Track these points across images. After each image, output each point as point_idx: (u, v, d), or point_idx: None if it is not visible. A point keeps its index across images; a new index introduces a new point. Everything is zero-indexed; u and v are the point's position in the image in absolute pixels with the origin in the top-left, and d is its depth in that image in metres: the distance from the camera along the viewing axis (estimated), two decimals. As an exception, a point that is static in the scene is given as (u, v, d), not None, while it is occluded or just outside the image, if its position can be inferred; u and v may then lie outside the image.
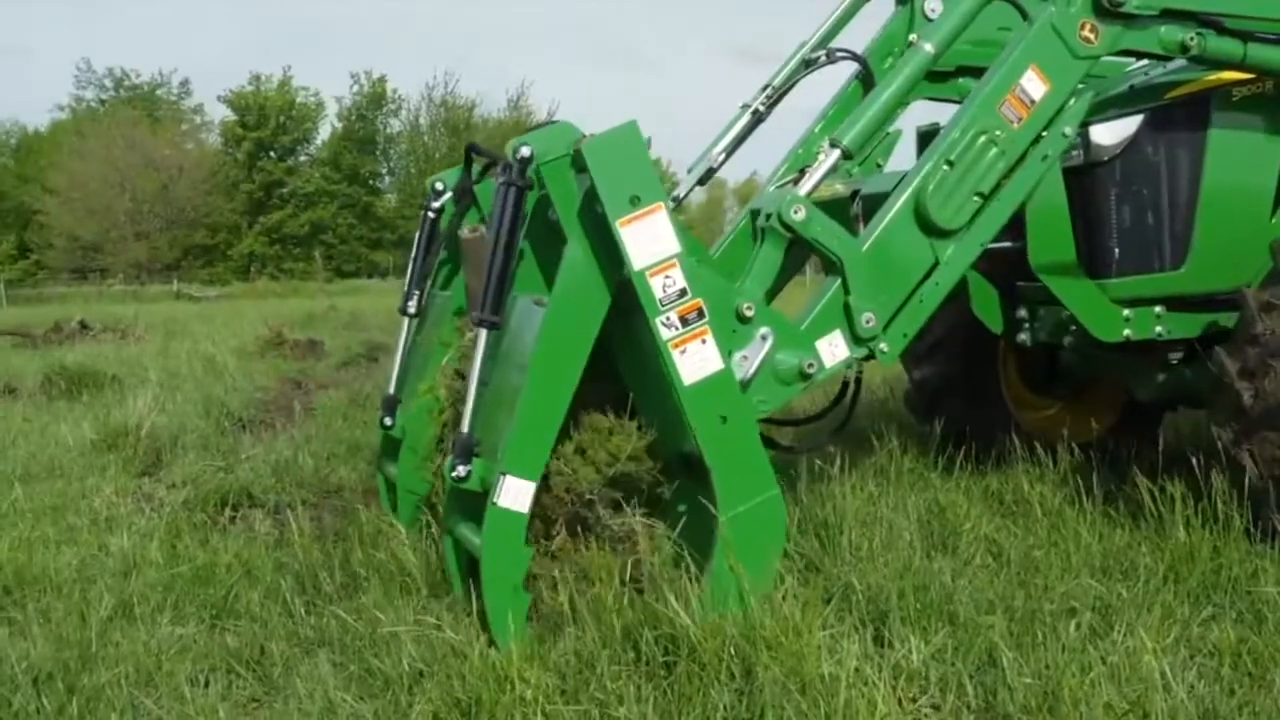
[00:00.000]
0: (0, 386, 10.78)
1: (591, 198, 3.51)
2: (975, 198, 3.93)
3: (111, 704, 3.23)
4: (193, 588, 4.27)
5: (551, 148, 3.79)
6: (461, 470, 3.62)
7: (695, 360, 3.47)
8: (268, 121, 59.44)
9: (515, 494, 3.44)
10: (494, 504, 3.43)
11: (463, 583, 3.81)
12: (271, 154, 60.43)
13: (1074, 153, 4.75)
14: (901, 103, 4.25)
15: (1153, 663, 3.03)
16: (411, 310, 5.14)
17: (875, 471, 5.32)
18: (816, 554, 4.17)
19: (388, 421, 5.03)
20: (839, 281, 3.79)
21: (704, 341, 3.48)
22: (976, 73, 4.67)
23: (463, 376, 4.43)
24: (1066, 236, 4.81)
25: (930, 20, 4.90)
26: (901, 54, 4.84)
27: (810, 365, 3.72)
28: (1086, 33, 4.06)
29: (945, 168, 3.89)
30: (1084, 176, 4.84)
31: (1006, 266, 5.00)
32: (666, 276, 3.44)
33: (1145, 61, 5.07)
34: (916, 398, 6.11)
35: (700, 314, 3.47)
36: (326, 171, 59.76)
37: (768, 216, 3.75)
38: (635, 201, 3.41)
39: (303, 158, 62.24)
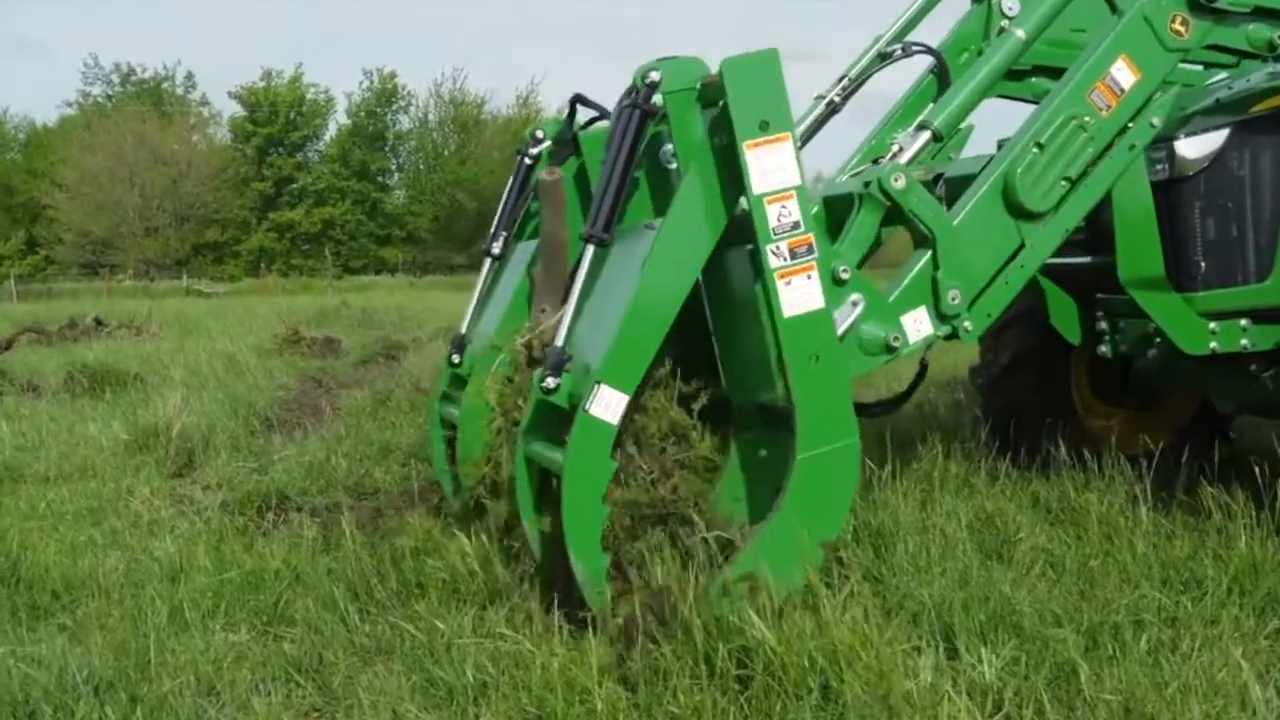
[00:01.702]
0: (22, 384, 10.75)
1: (716, 127, 3.51)
2: (1063, 182, 3.98)
3: (176, 713, 3.20)
4: (242, 594, 4.24)
5: (680, 80, 3.83)
6: (551, 382, 3.64)
7: (799, 294, 3.48)
8: (278, 117, 59.28)
9: (608, 403, 3.44)
10: (585, 411, 3.43)
11: (532, 505, 3.81)
12: (281, 150, 60.25)
13: (1159, 167, 4.77)
14: (991, 87, 4.31)
15: (1243, 677, 2.99)
16: (496, 251, 5.16)
17: (921, 477, 5.27)
18: (874, 564, 4.12)
19: (455, 359, 5.04)
20: (929, 255, 3.83)
21: (809, 277, 3.49)
22: (1051, 73, 4.75)
23: (512, 380, 4.42)
24: (1157, 251, 4.82)
25: (1008, 17, 4.93)
26: (977, 51, 4.91)
27: (895, 339, 3.78)
28: (1178, 25, 4.12)
29: (1035, 150, 3.94)
30: (1170, 191, 4.83)
31: (1084, 279, 4.98)
32: (783, 206, 3.45)
33: (1225, 74, 5.06)
34: (984, 370, 5.98)
35: (810, 249, 3.48)
36: (336, 168, 59.57)
37: (867, 184, 3.81)
38: (765, 126, 3.43)
39: (311, 154, 62.07)
